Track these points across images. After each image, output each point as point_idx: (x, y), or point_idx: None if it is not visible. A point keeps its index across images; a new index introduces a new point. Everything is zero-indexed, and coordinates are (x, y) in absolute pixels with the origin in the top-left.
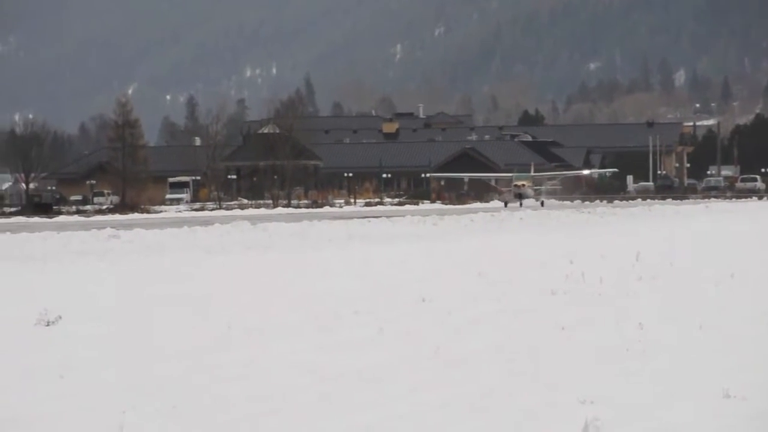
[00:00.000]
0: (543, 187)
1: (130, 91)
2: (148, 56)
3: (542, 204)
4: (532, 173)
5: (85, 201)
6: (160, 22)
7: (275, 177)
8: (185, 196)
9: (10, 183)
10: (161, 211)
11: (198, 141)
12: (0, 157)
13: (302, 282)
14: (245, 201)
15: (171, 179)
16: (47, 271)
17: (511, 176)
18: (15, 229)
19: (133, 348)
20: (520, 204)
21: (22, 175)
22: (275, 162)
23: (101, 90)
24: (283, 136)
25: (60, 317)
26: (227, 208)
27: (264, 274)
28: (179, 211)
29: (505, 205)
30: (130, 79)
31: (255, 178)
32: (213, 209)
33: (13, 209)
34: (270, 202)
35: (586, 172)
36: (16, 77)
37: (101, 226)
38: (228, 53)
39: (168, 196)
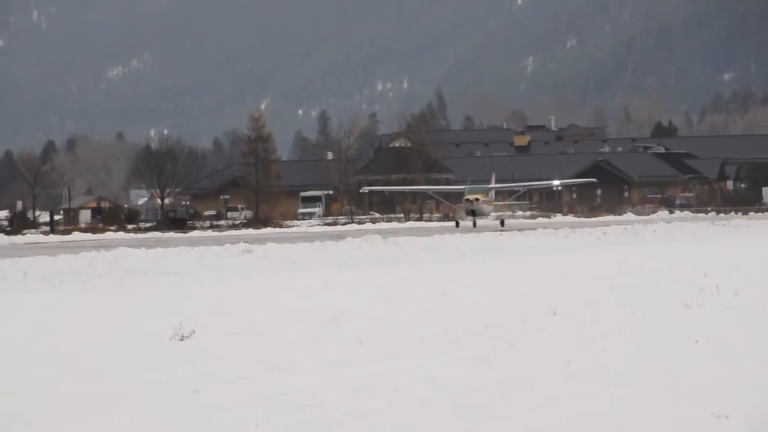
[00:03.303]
0: (505, 203)
1: (262, 106)
2: (281, 71)
3: (502, 224)
4: (491, 185)
5: (218, 216)
6: (292, 38)
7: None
8: (317, 210)
9: (146, 198)
10: (293, 226)
11: (330, 155)
12: (136, 173)
13: (433, 296)
14: (377, 215)
15: (303, 193)
16: (181, 285)
17: (464, 189)
18: (150, 245)
19: (266, 362)
20: (474, 224)
21: (158, 190)
22: (407, 176)
23: (234, 105)
24: (414, 150)
25: (194, 332)
26: (359, 222)
27: (395, 287)
28: (311, 226)
29: (457, 224)
30: (263, 94)
31: (387, 192)
32: (345, 223)
33: (148, 224)
34: (401, 215)
35: (556, 182)
36: (151, 93)
37: (234, 241)
38: (359, 67)
39: (300, 210)
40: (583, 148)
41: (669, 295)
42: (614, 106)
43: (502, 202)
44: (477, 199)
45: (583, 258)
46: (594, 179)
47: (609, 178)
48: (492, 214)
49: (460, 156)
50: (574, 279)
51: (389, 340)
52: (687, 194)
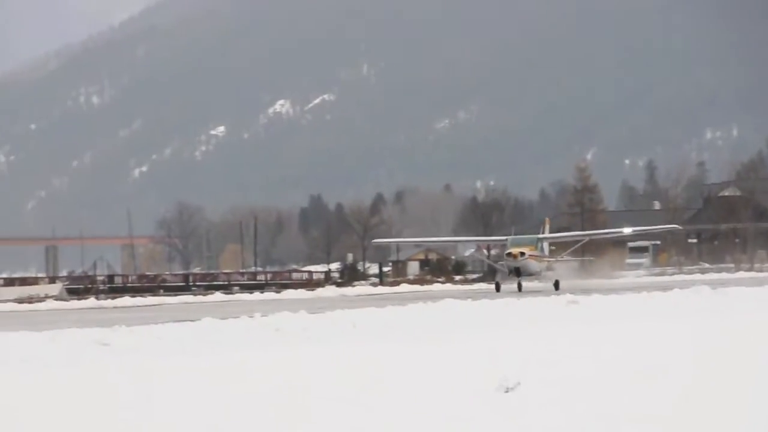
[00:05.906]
0: (557, 259)
1: (588, 156)
2: (607, 120)
3: (557, 286)
4: (542, 234)
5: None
6: (617, 87)
7: (737, 240)
8: (645, 260)
9: (473, 249)
10: (621, 277)
11: (657, 205)
12: (463, 225)
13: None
14: (706, 265)
15: (631, 244)
16: (506, 337)
17: (505, 240)
18: (476, 296)
19: (595, 415)
20: (519, 286)
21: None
22: (737, 225)
23: (561, 155)
24: (744, 199)
25: (519, 383)
26: (687, 273)
27: (723, 340)
28: (639, 276)
29: (497, 288)
30: (589, 143)
31: (716, 242)
32: (673, 274)
33: (475, 275)
34: (731, 266)
35: (628, 230)
36: (478, 144)
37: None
38: (687, 115)
39: (628, 260)
40: None
41: None
42: None
43: (553, 258)
44: (522, 254)
45: None
46: (675, 226)
47: None
48: (543, 272)
49: None
50: None
51: (714, 400)
52: None
